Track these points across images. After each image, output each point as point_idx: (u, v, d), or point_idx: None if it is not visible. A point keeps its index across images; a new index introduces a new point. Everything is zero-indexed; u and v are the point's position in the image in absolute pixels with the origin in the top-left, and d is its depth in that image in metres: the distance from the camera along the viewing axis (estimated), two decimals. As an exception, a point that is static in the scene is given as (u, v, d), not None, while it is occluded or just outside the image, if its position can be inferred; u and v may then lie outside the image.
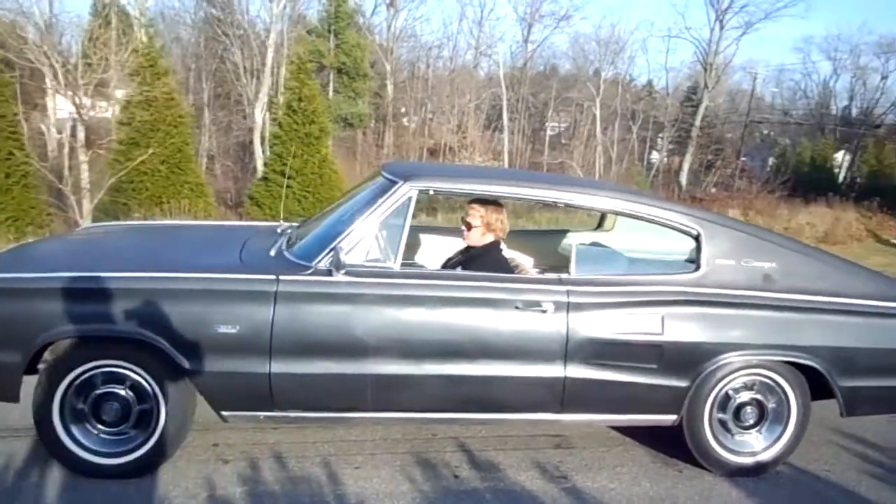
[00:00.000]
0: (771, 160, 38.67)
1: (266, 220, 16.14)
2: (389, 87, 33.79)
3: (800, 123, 37.54)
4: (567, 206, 3.44)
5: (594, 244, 4.18)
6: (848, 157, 33.60)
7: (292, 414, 3.15)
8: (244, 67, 29.38)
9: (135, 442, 3.09)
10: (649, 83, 40.68)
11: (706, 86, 33.21)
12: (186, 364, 2.97)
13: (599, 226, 4.60)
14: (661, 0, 59.42)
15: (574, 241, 4.45)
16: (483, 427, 3.78)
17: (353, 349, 3.05)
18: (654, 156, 39.32)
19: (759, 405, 3.41)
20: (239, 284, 3.03)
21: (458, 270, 3.45)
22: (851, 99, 35.54)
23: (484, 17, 34.98)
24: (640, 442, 3.76)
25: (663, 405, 3.30)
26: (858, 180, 29.02)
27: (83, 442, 3.06)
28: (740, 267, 3.34)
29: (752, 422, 3.41)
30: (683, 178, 32.61)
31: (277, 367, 3.02)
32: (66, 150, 18.48)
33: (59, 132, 20.57)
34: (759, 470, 3.44)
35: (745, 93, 40.83)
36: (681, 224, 3.36)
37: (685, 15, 59.17)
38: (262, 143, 23.65)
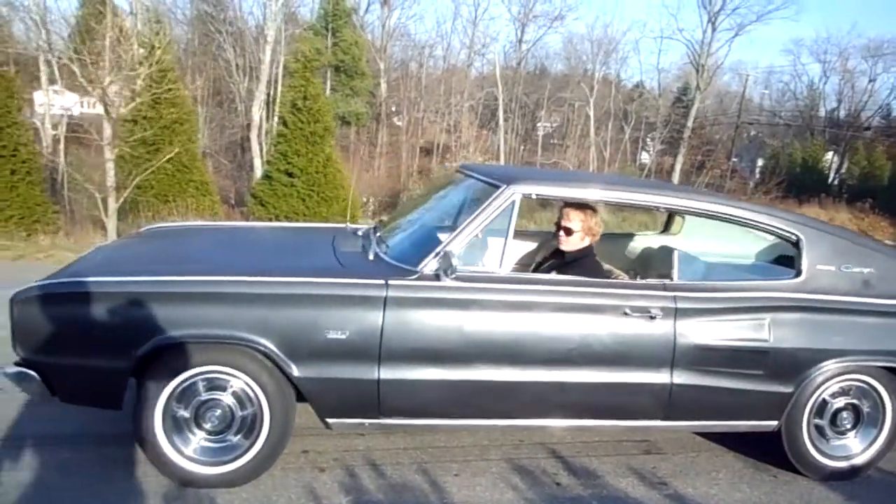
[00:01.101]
0: (760, 161, 39.05)
1: (270, 219, 16.02)
2: (383, 86, 33.70)
3: (788, 125, 37.92)
4: (668, 209, 3.43)
5: (664, 247, 4.17)
6: (836, 159, 33.99)
7: (397, 421, 3.10)
8: (236, 65, 29.18)
9: (238, 450, 3.02)
10: (639, 84, 40.91)
11: (698, 87, 33.42)
12: (295, 370, 2.91)
13: (665, 230, 4.59)
14: (654, 1, 59.63)
15: (641, 244, 4.45)
16: (569, 433, 3.75)
17: (462, 355, 3.01)
18: (644, 157, 39.54)
19: (855, 409, 3.42)
20: (350, 289, 2.97)
21: (554, 275, 3.41)
22: (840, 101, 35.95)
23: (478, 17, 34.99)
24: (728, 447, 3.76)
25: (766, 411, 3.29)
26: (848, 182, 29.38)
27: (185, 451, 2.99)
28: (840, 273, 3.34)
29: (848, 426, 3.42)
30: (675, 179, 32.80)
31: (386, 374, 2.97)
32: (61, 146, 18.24)
33: (55, 128, 20.22)
34: (853, 473, 3.45)
35: (734, 94, 41.21)
36: (781, 229, 3.36)
37: (678, 16, 59.64)
38: (259, 141, 23.51)
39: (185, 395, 2.97)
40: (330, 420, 3.06)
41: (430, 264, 3.05)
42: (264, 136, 25.03)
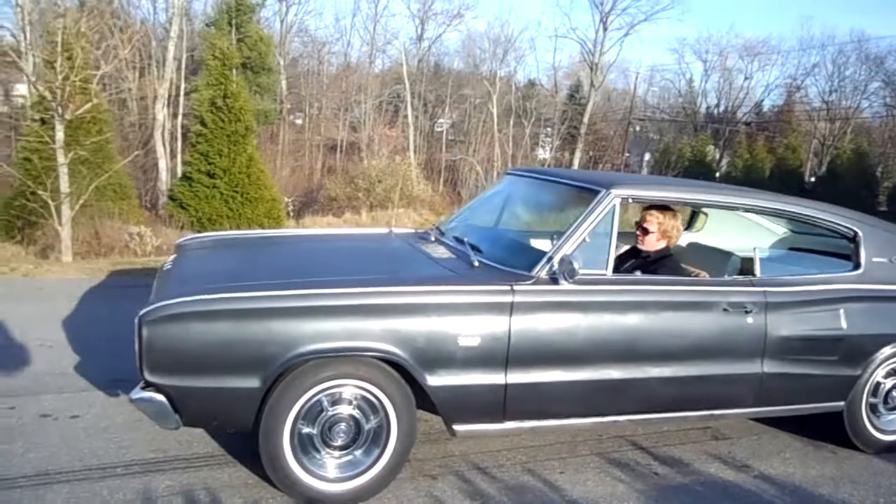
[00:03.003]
0: (647, 155, 41.11)
1: (192, 222, 15.36)
2: (283, 83, 32.93)
3: (674, 120, 40.08)
4: (747, 209, 3.65)
5: (692, 244, 4.43)
6: (717, 154, 36.30)
7: (519, 425, 3.15)
8: (126, 62, 27.66)
9: (365, 464, 2.98)
10: (531, 82, 42.00)
11: (592, 84, 34.76)
12: (427, 379, 2.91)
13: (689, 227, 4.85)
14: (549, 1, 61.28)
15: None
16: (640, 425, 3.91)
17: (582, 355, 3.11)
18: (539, 153, 40.70)
19: (902, 388, 3.79)
20: (480, 296, 2.99)
21: (642, 276, 3.56)
22: (719, 98, 38.44)
23: (378, 14, 34.85)
24: (781, 428, 4.05)
25: (837, 393, 3.59)
26: (732, 174, 31.44)
27: (314, 469, 2.92)
28: (891, 264, 3.68)
29: (896, 404, 3.79)
30: (575, 174, 33.97)
31: (513, 378, 3.02)
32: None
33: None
34: (900, 445, 3.82)
35: (620, 91, 43.20)
36: (840, 225, 3.67)
37: (571, 16, 61.54)
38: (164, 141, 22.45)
39: (311, 411, 2.90)
40: (456, 427, 3.07)
41: (545, 268, 3.12)
42: (167, 135, 23.95)
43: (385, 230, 4.39)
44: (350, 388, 2.93)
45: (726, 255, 3.98)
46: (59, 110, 8.08)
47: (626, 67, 40.80)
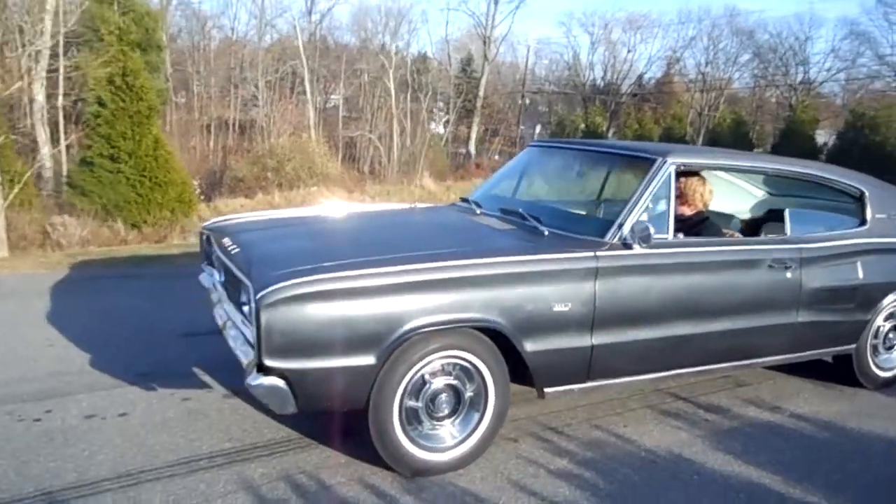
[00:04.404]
0: (538, 127, 42.15)
1: (96, 210, 14.44)
2: (167, 60, 31.28)
3: (564, 93, 41.23)
4: (777, 174, 3.96)
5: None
6: (605, 124, 37.74)
7: (599, 383, 3.31)
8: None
9: (466, 431, 3.05)
10: (423, 55, 41.97)
11: (486, 57, 35.19)
12: (525, 345, 3.01)
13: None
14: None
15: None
16: (673, 379, 4.17)
17: (656, 315, 3.30)
18: (433, 127, 40.86)
19: (896, 330, 4.26)
20: (569, 263, 3.11)
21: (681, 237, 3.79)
22: (605, 71, 39.88)
23: (266, -14, 33.58)
24: (788, 373, 4.44)
25: (850, 337, 3.99)
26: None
27: (420, 441, 2.96)
28: (890, 220, 4.11)
29: (893, 344, 4.24)
30: (472, 147, 34.51)
31: (598, 339, 3.17)
32: None
33: None
34: (894, 381, 4.30)
35: (509, 65, 43.96)
36: (850, 185, 4.05)
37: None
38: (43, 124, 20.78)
39: (415, 384, 2.93)
40: (547, 389, 3.19)
41: (616, 235, 3.28)
42: (44, 117, 22.22)
43: (407, 205, 4.41)
44: (449, 359, 2.97)
45: (728, 216, 4.29)
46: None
47: (514, 41, 41.45)
